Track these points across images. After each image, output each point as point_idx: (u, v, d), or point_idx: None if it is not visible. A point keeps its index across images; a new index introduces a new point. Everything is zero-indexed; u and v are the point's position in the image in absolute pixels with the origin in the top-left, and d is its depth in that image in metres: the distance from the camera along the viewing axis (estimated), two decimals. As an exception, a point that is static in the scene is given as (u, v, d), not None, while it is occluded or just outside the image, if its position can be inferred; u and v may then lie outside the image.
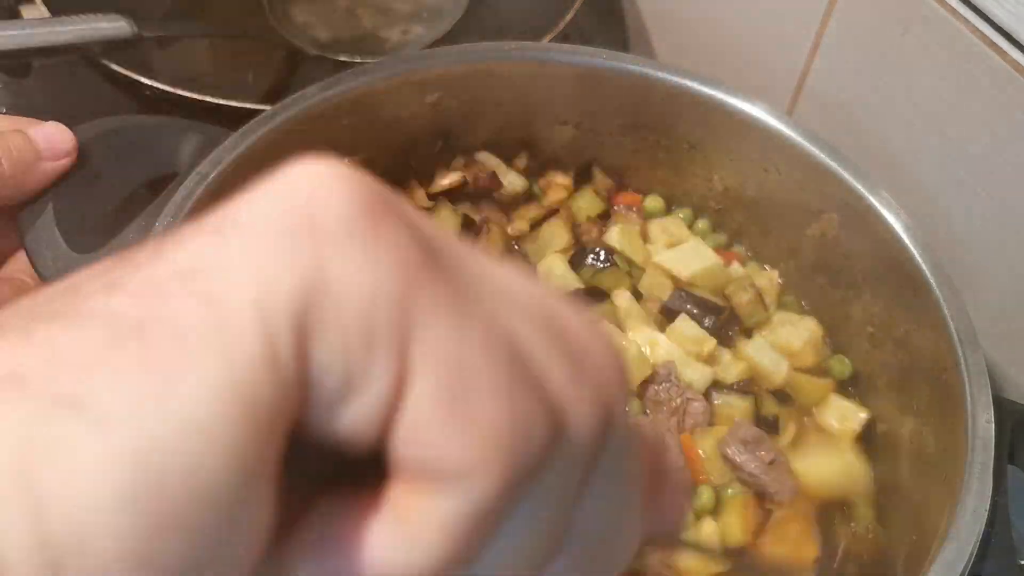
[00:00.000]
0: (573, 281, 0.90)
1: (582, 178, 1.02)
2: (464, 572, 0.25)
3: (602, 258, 0.91)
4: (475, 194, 0.97)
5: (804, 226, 0.91)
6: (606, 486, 0.29)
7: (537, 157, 1.02)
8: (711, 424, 0.82)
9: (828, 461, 0.81)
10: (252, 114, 0.83)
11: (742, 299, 0.87)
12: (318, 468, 0.26)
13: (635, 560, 0.72)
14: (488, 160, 0.98)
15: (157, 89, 1.01)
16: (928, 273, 0.78)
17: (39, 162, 0.74)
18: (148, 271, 0.24)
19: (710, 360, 0.85)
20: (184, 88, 1.00)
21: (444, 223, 0.93)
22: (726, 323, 0.89)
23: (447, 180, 0.95)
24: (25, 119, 0.77)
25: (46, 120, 0.77)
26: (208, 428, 0.21)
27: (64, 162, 0.75)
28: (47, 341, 0.22)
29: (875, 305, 0.87)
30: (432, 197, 0.96)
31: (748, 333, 0.90)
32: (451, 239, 0.28)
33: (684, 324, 0.86)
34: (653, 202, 0.99)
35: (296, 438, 0.24)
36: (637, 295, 0.90)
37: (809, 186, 0.88)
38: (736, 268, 0.93)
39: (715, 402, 0.83)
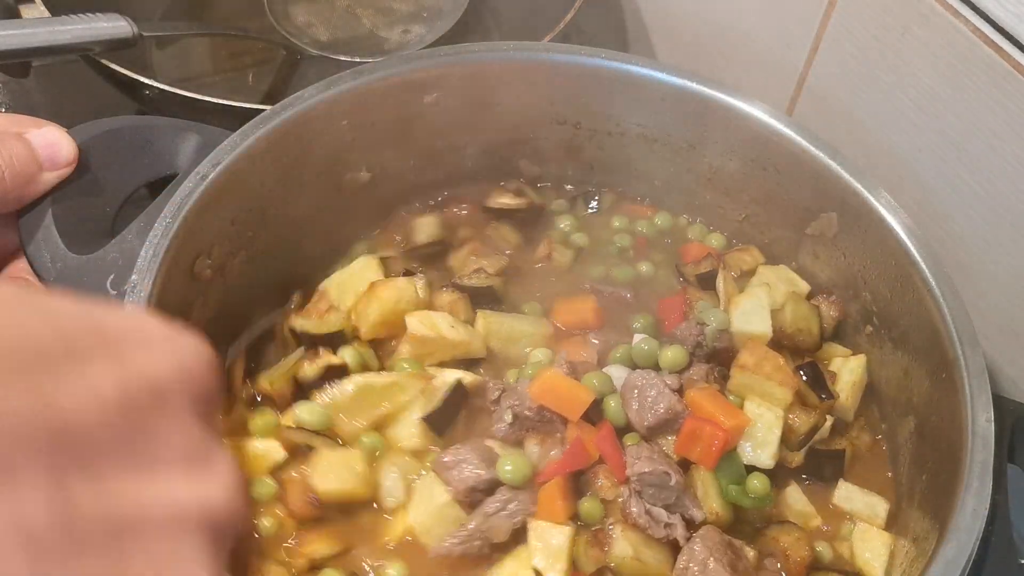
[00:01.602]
0: None
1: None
2: None
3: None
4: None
5: (804, 225, 0.91)
6: None
7: (537, 157, 1.02)
8: None
9: None
10: (252, 114, 0.83)
11: None
12: None
13: None
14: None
15: (157, 89, 1.01)
16: (928, 273, 0.78)
17: (40, 173, 0.74)
18: None
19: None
20: (184, 88, 1.00)
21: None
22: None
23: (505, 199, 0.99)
24: (26, 118, 0.76)
25: (45, 119, 0.77)
26: None
27: (65, 171, 0.75)
28: None
29: (874, 305, 0.87)
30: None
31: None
32: None
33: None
34: None
35: None
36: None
37: (809, 186, 0.88)
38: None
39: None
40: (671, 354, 0.82)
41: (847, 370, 0.86)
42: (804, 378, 0.82)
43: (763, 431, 0.78)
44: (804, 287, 0.92)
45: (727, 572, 0.70)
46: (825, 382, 0.83)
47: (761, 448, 0.78)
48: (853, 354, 0.89)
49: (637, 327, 0.89)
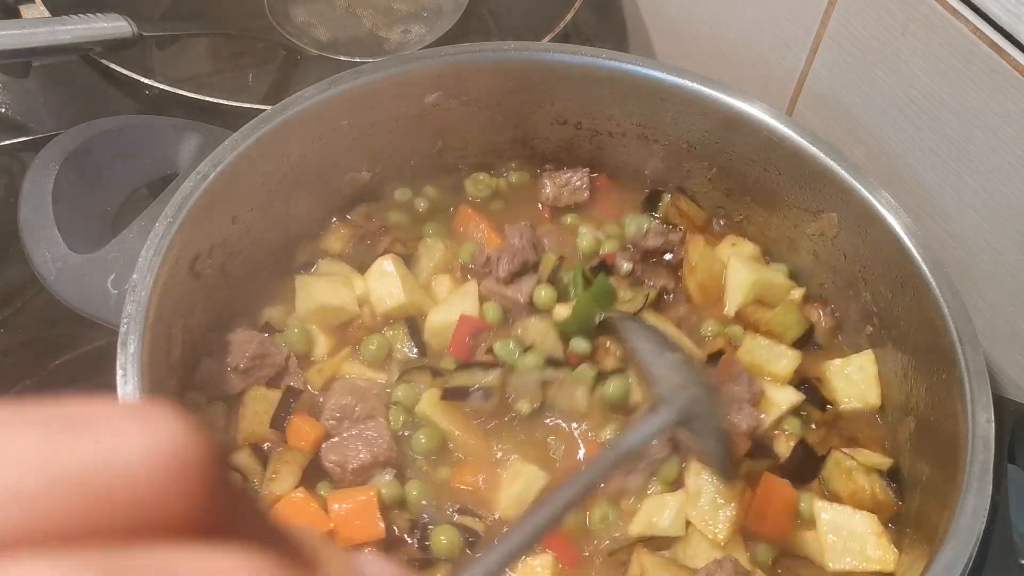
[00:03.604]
0: None
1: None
2: None
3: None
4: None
5: (804, 225, 0.91)
6: None
7: (536, 157, 1.02)
8: None
9: None
10: (252, 114, 0.83)
11: None
12: None
13: None
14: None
15: (157, 89, 1.01)
16: (928, 273, 0.78)
17: None
18: None
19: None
20: (184, 88, 1.00)
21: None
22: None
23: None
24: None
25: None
26: None
27: None
28: None
29: (875, 305, 0.87)
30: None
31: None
32: None
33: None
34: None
35: None
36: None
37: (809, 186, 0.88)
38: None
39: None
40: None
41: (856, 368, 0.87)
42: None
43: None
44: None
45: None
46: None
47: None
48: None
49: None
